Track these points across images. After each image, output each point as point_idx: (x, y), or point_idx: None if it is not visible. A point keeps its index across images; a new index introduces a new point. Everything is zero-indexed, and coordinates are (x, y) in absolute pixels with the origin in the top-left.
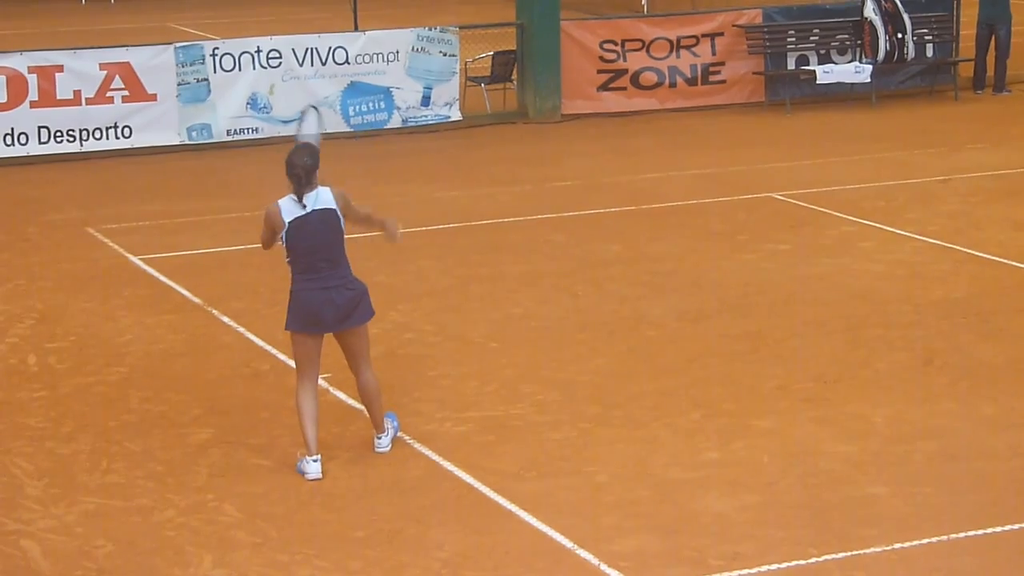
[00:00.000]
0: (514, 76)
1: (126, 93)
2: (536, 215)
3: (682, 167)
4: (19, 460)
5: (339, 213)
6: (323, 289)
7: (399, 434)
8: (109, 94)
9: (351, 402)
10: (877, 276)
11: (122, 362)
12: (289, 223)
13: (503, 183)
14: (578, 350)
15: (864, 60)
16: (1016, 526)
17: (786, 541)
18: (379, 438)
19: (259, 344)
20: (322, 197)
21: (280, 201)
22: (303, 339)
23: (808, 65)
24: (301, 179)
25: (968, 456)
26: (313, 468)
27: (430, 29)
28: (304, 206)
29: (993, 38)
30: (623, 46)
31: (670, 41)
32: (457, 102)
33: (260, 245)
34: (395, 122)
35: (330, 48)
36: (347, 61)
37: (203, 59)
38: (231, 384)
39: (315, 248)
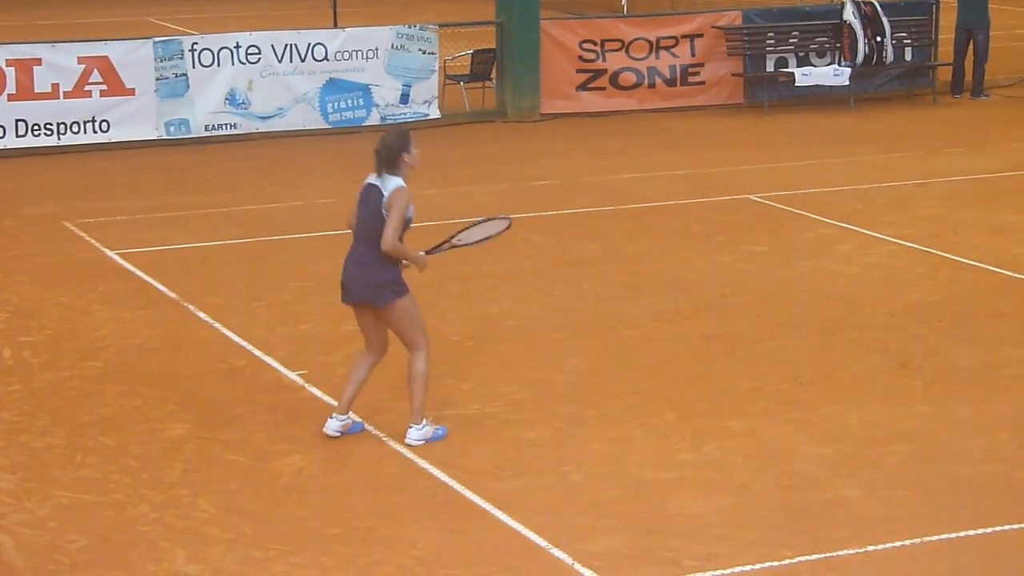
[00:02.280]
0: (493, 75)
1: (104, 87)
2: (514, 214)
3: (660, 168)
4: None
5: (384, 201)
6: (350, 258)
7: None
8: (87, 88)
9: (327, 399)
10: (853, 279)
11: (97, 356)
12: (362, 187)
13: (481, 182)
14: (554, 349)
15: (843, 63)
16: (990, 529)
17: (760, 542)
18: (410, 428)
19: (235, 340)
20: (387, 183)
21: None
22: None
23: (787, 67)
24: (379, 157)
25: (942, 459)
26: (329, 425)
27: (410, 27)
28: (370, 180)
29: (971, 43)
30: (602, 46)
31: (649, 42)
32: (436, 100)
33: None
34: (374, 119)
35: (309, 44)
36: (326, 58)
37: (182, 54)
38: (207, 380)
39: (358, 219)
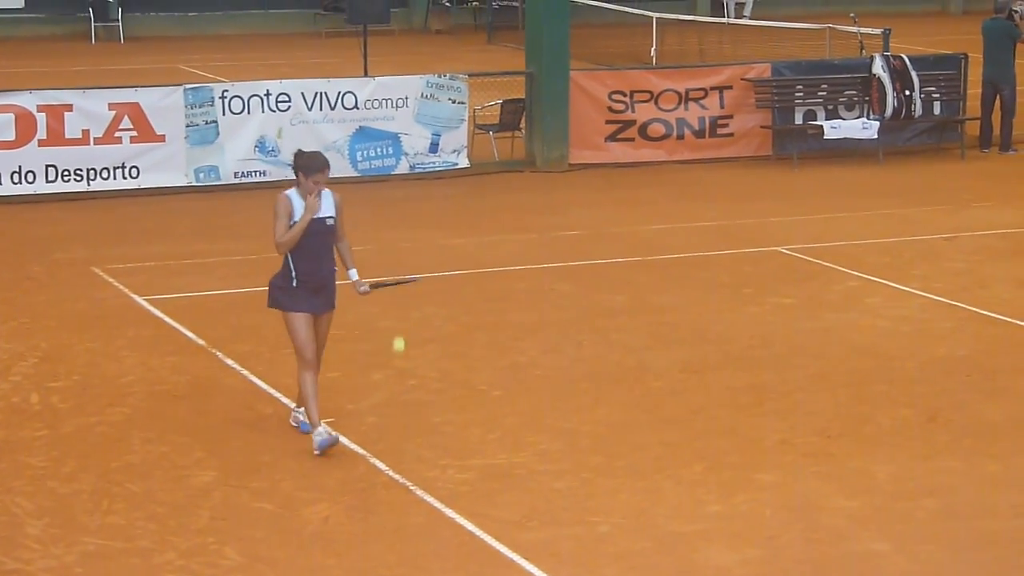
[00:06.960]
0: (522, 125)
1: (134, 133)
2: (542, 264)
3: (689, 219)
4: (20, 499)
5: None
6: None
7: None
8: (117, 134)
9: (354, 447)
10: (882, 332)
11: (125, 403)
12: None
13: (510, 231)
14: (582, 400)
15: (872, 116)
16: None
17: None
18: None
19: (262, 387)
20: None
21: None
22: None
23: (816, 120)
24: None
25: (971, 514)
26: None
27: (439, 76)
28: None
29: (998, 98)
30: (632, 97)
31: (678, 93)
32: (465, 149)
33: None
34: (403, 168)
35: (339, 93)
36: (356, 106)
37: (212, 101)
38: (234, 427)
39: None
